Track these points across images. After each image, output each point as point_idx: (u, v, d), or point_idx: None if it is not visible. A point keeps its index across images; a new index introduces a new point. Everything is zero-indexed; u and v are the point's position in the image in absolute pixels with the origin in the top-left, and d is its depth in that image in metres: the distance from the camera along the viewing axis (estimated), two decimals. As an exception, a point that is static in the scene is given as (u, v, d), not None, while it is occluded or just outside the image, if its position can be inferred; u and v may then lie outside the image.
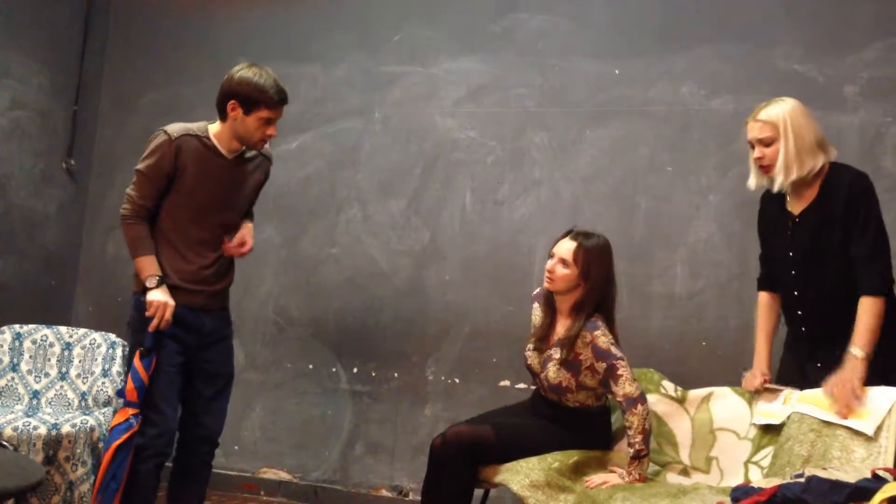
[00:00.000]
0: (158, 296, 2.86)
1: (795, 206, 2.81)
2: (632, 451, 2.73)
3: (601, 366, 2.82)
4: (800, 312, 2.82)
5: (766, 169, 2.78)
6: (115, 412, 3.58)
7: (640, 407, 2.74)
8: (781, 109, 2.74)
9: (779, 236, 2.87)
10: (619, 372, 2.79)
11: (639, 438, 2.72)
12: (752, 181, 2.87)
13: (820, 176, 2.76)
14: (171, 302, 2.88)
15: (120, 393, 2.92)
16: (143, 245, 2.92)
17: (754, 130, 2.78)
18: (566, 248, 2.91)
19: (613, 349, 2.82)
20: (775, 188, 2.77)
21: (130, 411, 2.86)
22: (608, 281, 2.94)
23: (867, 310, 2.61)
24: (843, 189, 2.70)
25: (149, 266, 2.90)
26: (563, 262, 2.90)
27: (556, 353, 2.91)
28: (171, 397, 2.94)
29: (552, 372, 2.91)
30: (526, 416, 3.01)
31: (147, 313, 2.86)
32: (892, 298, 2.70)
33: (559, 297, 2.97)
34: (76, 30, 4.66)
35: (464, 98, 4.20)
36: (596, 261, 2.89)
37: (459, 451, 2.86)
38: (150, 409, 2.90)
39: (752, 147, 2.81)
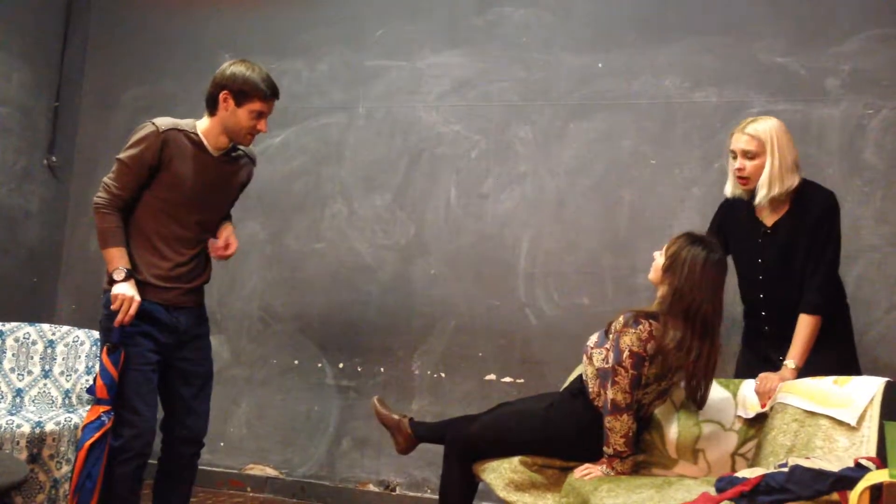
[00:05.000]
0: (124, 289, 2.79)
1: (768, 218, 2.96)
2: (610, 450, 2.69)
3: (609, 358, 2.73)
4: (764, 313, 2.99)
5: (744, 181, 2.92)
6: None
7: (624, 416, 2.68)
8: (769, 127, 2.88)
9: (747, 243, 3.00)
10: (617, 378, 2.68)
11: (621, 441, 2.68)
12: (729, 189, 3.02)
13: (793, 191, 2.91)
14: (137, 297, 2.81)
15: (90, 391, 2.86)
16: (113, 236, 2.85)
17: (741, 142, 2.90)
18: (669, 241, 2.82)
19: (626, 355, 2.67)
20: (756, 201, 2.90)
21: (101, 409, 2.80)
22: (692, 291, 2.67)
23: (805, 326, 2.82)
24: (817, 206, 2.88)
25: (117, 258, 2.83)
26: (663, 250, 2.83)
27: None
28: (147, 396, 2.88)
29: (594, 334, 2.90)
30: (541, 402, 2.98)
31: (112, 307, 2.79)
32: (845, 305, 2.98)
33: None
34: (57, 25, 4.62)
35: (448, 92, 4.19)
36: (681, 263, 2.70)
37: (455, 455, 2.93)
38: (126, 409, 2.83)
39: (735, 157, 2.93)
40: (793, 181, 2.87)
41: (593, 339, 2.88)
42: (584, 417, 2.81)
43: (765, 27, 3.75)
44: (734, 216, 3.04)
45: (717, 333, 2.75)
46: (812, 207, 2.88)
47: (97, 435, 2.78)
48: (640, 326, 2.70)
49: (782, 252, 2.91)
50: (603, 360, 2.77)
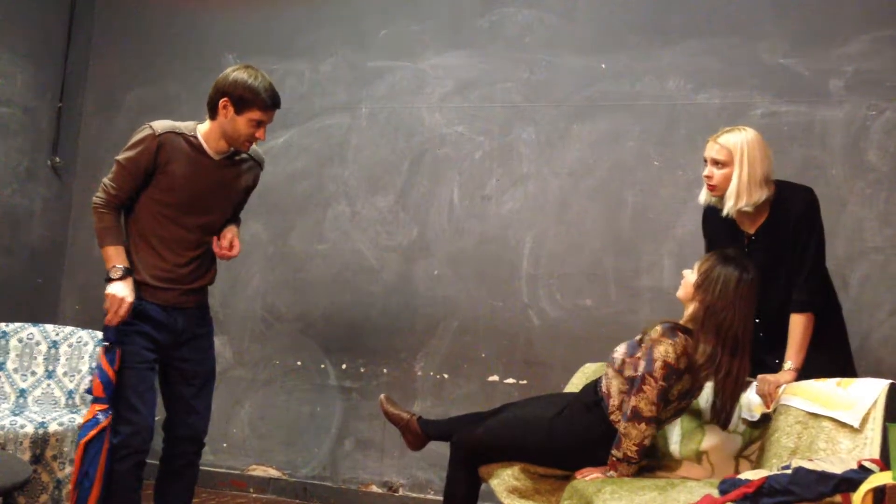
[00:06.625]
0: (116, 289, 2.80)
1: (748, 226, 2.95)
2: (620, 454, 2.67)
3: (640, 367, 2.68)
4: (758, 320, 2.94)
5: (711, 188, 2.94)
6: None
7: (643, 425, 2.63)
8: (742, 138, 2.88)
9: None
10: (645, 387, 2.64)
11: (634, 449, 2.65)
12: (703, 197, 3.02)
13: (770, 197, 2.90)
14: (130, 298, 2.81)
15: (89, 390, 2.87)
16: (111, 235, 2.87)
17: (712, 151, 2.92)
18: (700, 260, 2.80)
19: (659, 365, 2.63)
20: (724, 212, 2.90)
21: (98, 407, 2.80)
22: (724, 308, 2.67)
23: (797, 325, 2.83)
24: (795, 205, 2.87)
25: (115, 256, 2.84)
26: (694, 268, 2.79)
27: (639, 335, 2.82)
28: (144, 394, 2.88)
29: (621, 345, 2.84)
30: (549, 408, 2.90)
31: (104, 306, 2.81)
32: (837, 306, 2.97)
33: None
34: (61, 26, 4.63)
35: (451, 93, 4.19)
36: (714, 281, 2.69)
37: (460, 459, 2.92)
38: (124, 407, 2.84)
39: (706, 164, 2.95)
40: (760, 195, 2.85)
41: (621, 350, 2.81)
42: (595, 432, 2.76)
43: (768, 28, 3.74)
44: (716, 225, 3.03)
45: (748, 352, 2.71)
46: (791, 208, 2.87)
47: (92, 433, 2.79)
48: (677, 339, 2.66)
49: (768, 258, 2.89)
50: (633, 368, 2.72)
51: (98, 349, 3.73)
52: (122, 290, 2.81)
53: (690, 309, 2.76)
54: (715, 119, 3.75)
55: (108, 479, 2.83)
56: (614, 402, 2.75)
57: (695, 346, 2.67)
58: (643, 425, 2.64)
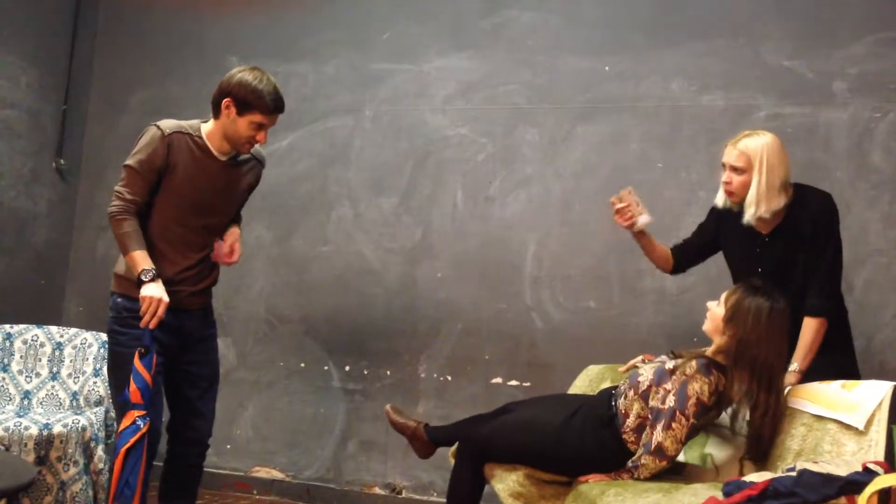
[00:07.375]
0: (151, 290, 2.76)
1: (763, 226, 2.92)
2: (634, 476, 2.67)
3: (669, 401, 2.63)
4: None
5: (729, 193, 2.93)
6: (106, 412, 3.58)
7: (661, 462, 2.63)
8: (761, 144, 2.85)
9: (745, 251, 2.98)
10: (674, 425, 2.60)
11: (646, 475, 2.65)
12: (721, 202, 3.00)
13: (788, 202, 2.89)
14: (165, 298, 2.78)
15: (124, 396, 2.83)
16: (133, 240, 2.82)
17: (731, 156, 2.90)
18: (726, 292, 2.72)
19: (692, 402, 2.59)
20: (745, 220, 2.87)
21: (136, 413, 2.76)
22: (758, 342, 2.60)
23: (808, 329, 2.81)
24: (813, 210, 2.86)
25: (142, 260, 2.80)
26: (720, 301, 2.73)
27: (669, 363, 2.77)
28: (153, 397, 2.85)
29: (647, 367, 2.81)
30: (555, 411, 2.86)
31: (141, 309, 2.78)
32: (843, 309, 2.96)
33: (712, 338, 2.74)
34: (65, 28, 4.64)
35: (454, 95, 4.20)
36: (744, 314, 2.62)
37: (466, 456, 2.91)
38: None
39: (725, 169, 2.93)
40: (779, 202, 2.83)
41: (648, 375, 2.76)
42: (607, 449, 2.75)
43: (772, 30, 3.74)
44: (730, 224, 3.01)
45: (782, 385, 2.68)
46: (808, 212, 2.86)
47: (133, 440, 2.75)
48: (712, 377, 2.62)
49: (781, 260, 2.88)
50: (660, 399, 2.67)
51: (102, 351, 3.73)
52: (157, 292, 2.78)
53: (720, 342, 2.69)
54: (718, 121, 3.75)
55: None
56: (630, 423, 2.72)
57: (729, 383, 2.62)
58: (661, 461, 2.64)
